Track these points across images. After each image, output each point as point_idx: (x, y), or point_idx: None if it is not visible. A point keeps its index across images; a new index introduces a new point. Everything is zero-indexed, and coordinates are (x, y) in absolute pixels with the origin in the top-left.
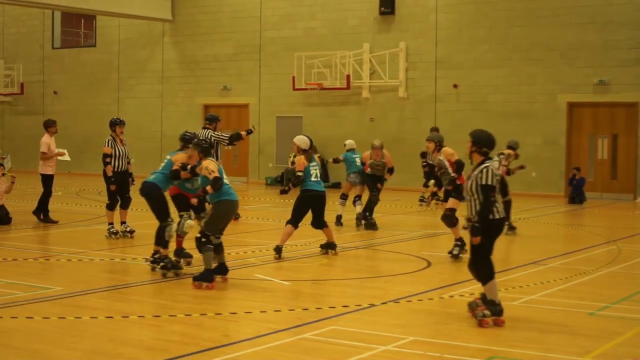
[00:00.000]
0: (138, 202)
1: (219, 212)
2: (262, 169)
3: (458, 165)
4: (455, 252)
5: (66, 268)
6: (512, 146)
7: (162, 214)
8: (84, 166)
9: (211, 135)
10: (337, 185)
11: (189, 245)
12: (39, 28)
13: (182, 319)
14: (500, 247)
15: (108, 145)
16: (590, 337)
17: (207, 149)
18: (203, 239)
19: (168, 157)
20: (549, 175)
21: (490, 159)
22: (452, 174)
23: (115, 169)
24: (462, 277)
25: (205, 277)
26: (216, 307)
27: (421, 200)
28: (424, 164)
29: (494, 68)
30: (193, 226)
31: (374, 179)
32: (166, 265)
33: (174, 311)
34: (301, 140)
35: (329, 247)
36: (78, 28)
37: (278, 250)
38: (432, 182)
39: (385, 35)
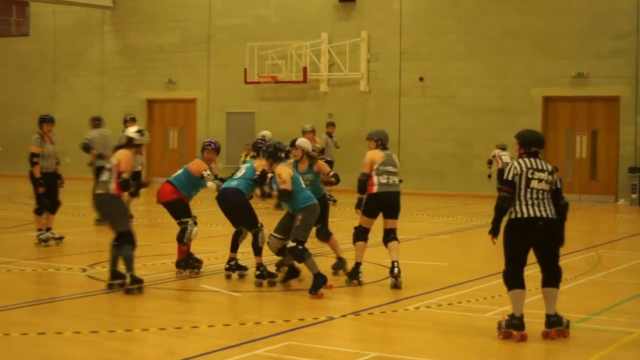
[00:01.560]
0: (68, 206)
1: (310, 217)
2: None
3: (358, 182)
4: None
5: None
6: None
7: (252, 220)
8: (15, 167)
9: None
10: None
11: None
12: None
13: (122, 335)
14: (472, 255)
15: (35, 144)
16: (569, 352)
17: (273, 152)
18: (300, 247)
19: (247, 164)
20: None
21: (538, 157)
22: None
23: (43, 170)
24: (428, 287)
25: (320, 283)
26: (159, 321)
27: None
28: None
29: (462, 60)
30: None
31: None
32: (262, 273)
33: (114, 326)
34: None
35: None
36: (9, 15)
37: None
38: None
39: (345, 23)
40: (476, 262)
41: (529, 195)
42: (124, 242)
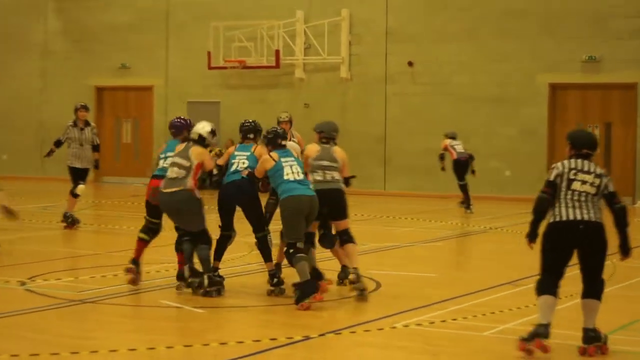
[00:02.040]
0: None
1: (286, 213)
2: None
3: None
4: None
5: None
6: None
7: (263, 220)
8: None
9: None
10: None
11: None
12: None
13: (67, 358)
14: (470, 265)
15: None
16: None
17: (272, 139)
18: (291, 250)
19: (245, 151)
20: (527, 174)
21: (589, 160)
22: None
23: None
24: (419, 301)
25: (308, 291)
26: (110, 342)
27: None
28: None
29: (458, 41)
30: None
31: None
32: (280, 280)
33: (57, 348)
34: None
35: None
36: None
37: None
38: None
39: (324, 0)
40: (474, 273)
41: (569, 197)
42: (200, 242)
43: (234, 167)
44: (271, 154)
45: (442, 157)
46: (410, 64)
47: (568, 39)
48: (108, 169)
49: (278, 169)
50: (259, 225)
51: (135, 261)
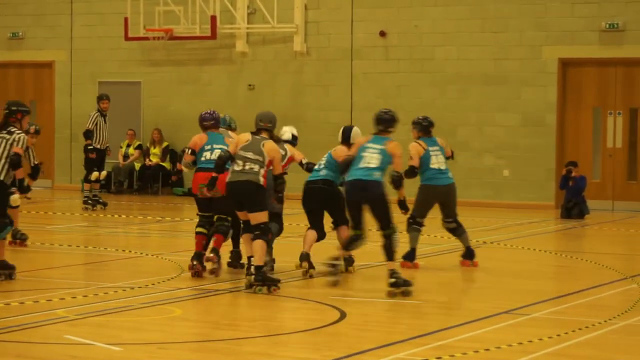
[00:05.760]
0: None
1: (420, 196)
2: (76, 167)
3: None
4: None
5: None
6: None
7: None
8: None
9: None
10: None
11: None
12: None
13: None
14: (460, 287)
15: None
16: None
17: (426, 127)
18: (410, 220)
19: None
20: (530, 174)
21: None
22: None
23: None
24: (395, 335)
25: (409, 256)
26: None
27: (86, 202)
28: (90, 147)
29: (442, 5)
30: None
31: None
32: (397, 282)
33: None
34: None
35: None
36: None
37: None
38: (102, 173)
39: None
40: (463, 299)
41: None
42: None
43: (363, 164)
44: (419, 142)
45: None
46: (382, 34)
47: (583, 2)
48: None
49: (427, 157)
50: (389, 223)
51: (216, 250)
